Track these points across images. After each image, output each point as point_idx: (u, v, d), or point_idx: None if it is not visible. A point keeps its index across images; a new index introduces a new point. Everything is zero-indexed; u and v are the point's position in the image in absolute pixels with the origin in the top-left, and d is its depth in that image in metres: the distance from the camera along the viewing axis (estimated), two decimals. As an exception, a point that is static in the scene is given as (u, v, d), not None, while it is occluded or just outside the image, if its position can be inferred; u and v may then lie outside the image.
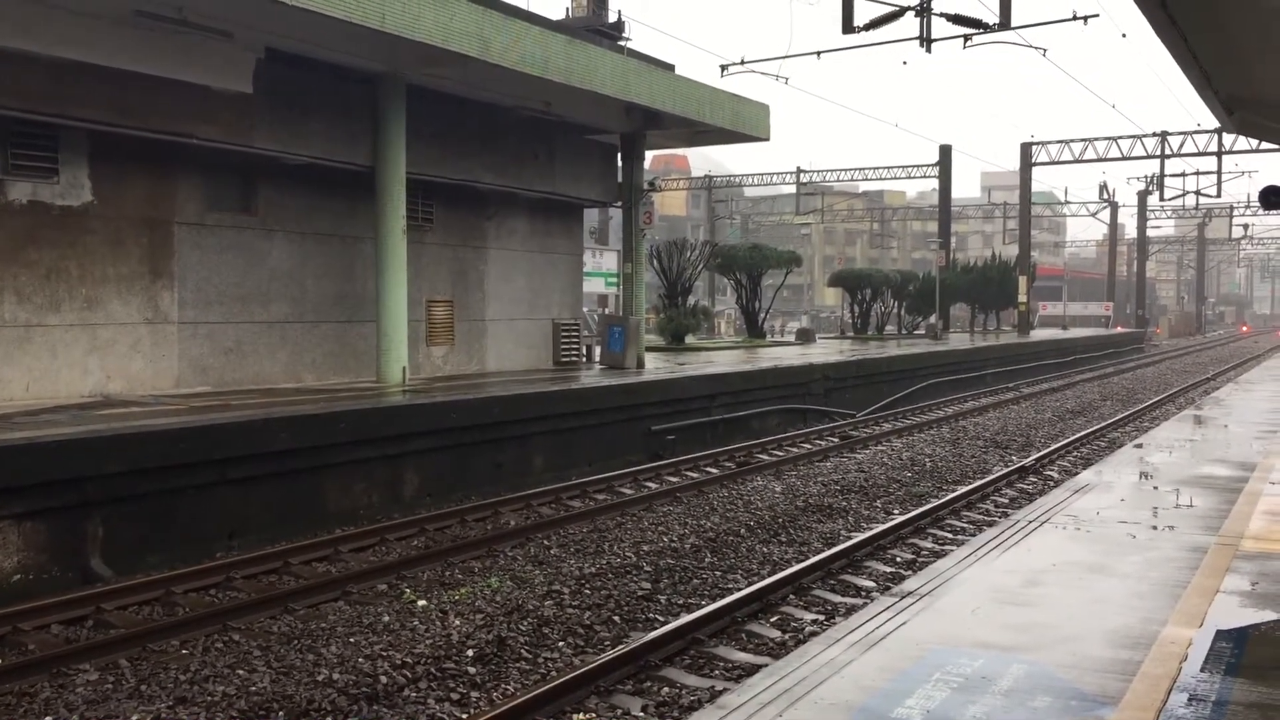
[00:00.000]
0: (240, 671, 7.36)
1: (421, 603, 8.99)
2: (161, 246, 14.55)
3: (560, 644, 7.96)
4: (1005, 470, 15.40)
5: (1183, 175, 49.63)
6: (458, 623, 8.36)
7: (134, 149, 13.85)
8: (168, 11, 12.50)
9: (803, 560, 10.20)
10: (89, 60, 12.53)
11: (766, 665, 6.65)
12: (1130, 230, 74.47)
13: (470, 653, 7.67)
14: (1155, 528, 8.48)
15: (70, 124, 12.98)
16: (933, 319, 42.54)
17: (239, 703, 6.78)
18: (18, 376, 13.00)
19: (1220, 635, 5.71)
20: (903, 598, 6.46)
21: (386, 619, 8.52)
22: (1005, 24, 20.80)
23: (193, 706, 6.75)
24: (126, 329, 14.15)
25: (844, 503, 13.37)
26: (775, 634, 8.18)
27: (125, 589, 9.11)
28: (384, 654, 7.63)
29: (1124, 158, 45.61)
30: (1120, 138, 45.35)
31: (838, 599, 9.16)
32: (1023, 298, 48.20)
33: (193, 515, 10.81)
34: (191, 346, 14.94)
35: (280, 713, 6.66)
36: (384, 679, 7.15)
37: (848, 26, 19.94)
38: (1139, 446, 13.70)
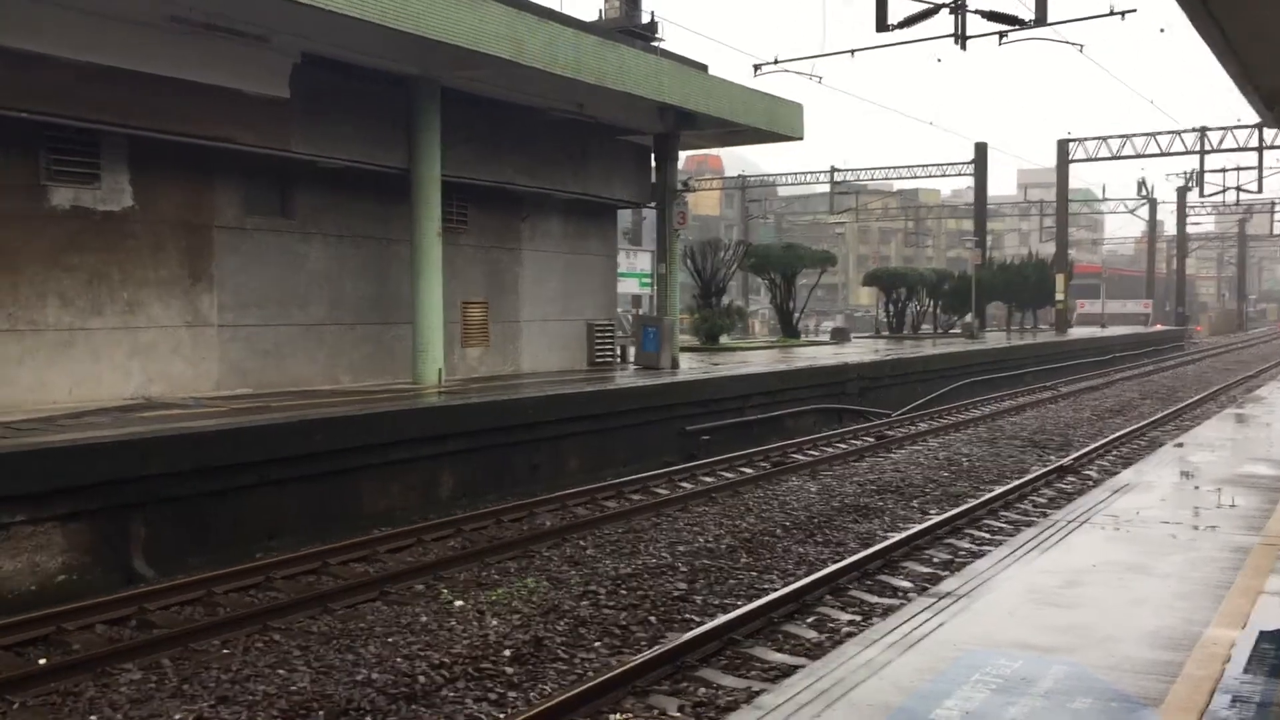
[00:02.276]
0: (280, 671, 7.44)
1: (459, 603, 9.04)
2: (201, 250, 14.71)
3: (597, 644, 7.98)
4: (1043, 470, 15.27)
5: (1223, 171, 49.05)
6: (494, 623, 8.40)
7: (173, 154, 14.02)
8: (205, 17, 12.65)
9: (839, 560, 10.16)
10: (128, 66, 12.70)
11: (804, 666, 6.64)
12: (1169, 227, 73.65)
13: (507, 653, 7.70)
14: (1197, 527, 8.39)
15: (110, 129, 13.16)
16: (968, 318, 42.24)
17: (279, 702, 6.85)
18: (61, 380, 13.19)
19: (1264, 636, 5.65)
20: (940, 598, 6.43)
21: (424, 619, 8.57)
22: (1041, 20, 20.64)
23: (234, 706, 6.83)
24: (167, 332, 14.32)
25: (880, 503, 13.31)
26: (812, 634, 8.16)
27: (167, 589, 9.22)
28: (422, 654, 7.68)
29: (1163, 154, 45.11)
30: (1159, 133, 44.87)
31: (875, 599, 9.12)
32: (1060, 296, 47.75)
33: (233, 516, 10.93)
34: (231, 349, 15.10)
35: (320, 712, 6.72)
36: (422, 679, 7.20)
37: (881, 25, 19.85)
38: (1180, 445, 13.55)
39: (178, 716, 6.69)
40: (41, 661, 7.68)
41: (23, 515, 9.21)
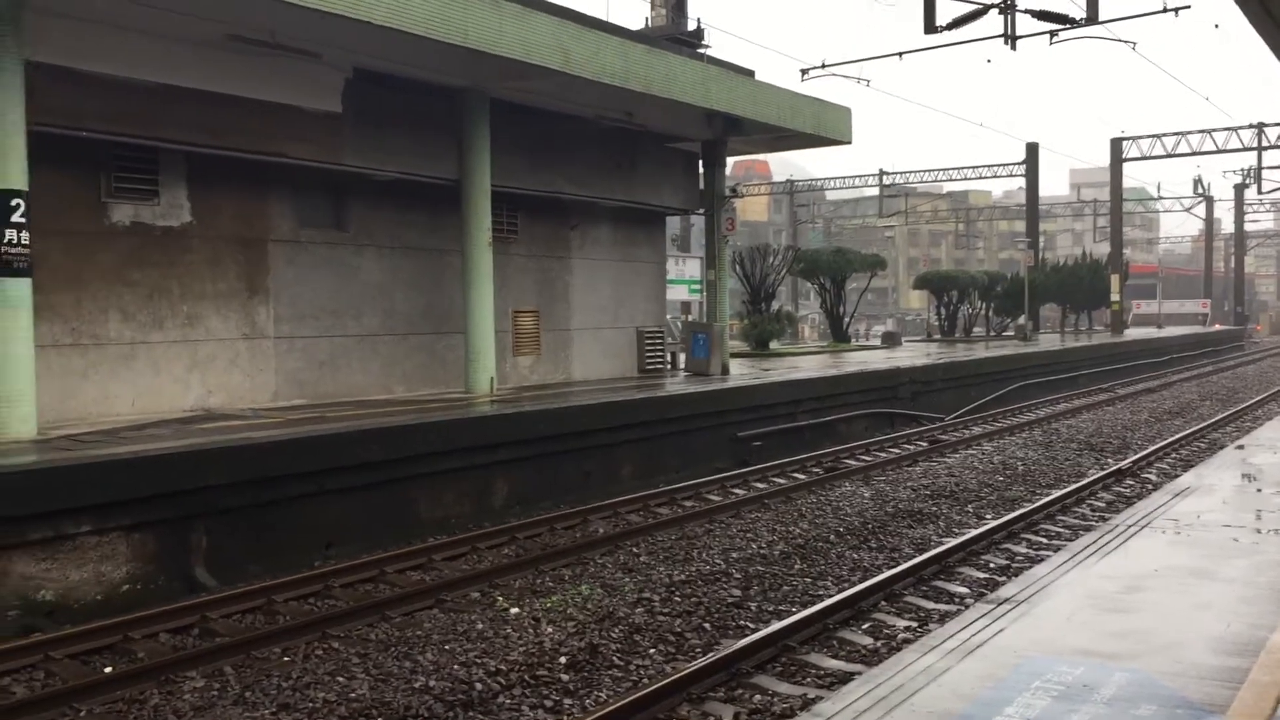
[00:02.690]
0: (340, 679, 7.53)
1: (514, 610, 9.10)
2: (257, 264, 14.95)
3: (651, 651, 8.00)
4: (1101, 473, 15.08)
5: (1282, 167, 48.10)
6: (550, 630, 8.45)
7: (229, 169, 14.26)
8: (260, 35, 12.86)
9: (894, 566, 10.10)
10: (186, 84, 12.96)
11: (860, 673, 6.61)
12: (1226, 225, 72.38)
13: (563, 660, 7.74)
14: (1260, 531, 8.25)
15: (169, 147, 13.42)
16: (1021, 320, 41.79)
17: (339, 709, 6.94)
18: (124, 392, 13.45)
19: (1332, 642, 5.54)
20: (999, 604, 6.38)
21: (480, 626, 8.64)
22: (1093, 18, 20.40)
23: (295, 713, 6.93)
24: (225, 344, 14.56)
25: (934, 508, 13.21)
26: (868, 641, 8.12)
27: (229, 598, 9.37)
28: (478, 661, 7.74)
29: (1219, 151, 44.36)
30: (1214, 130, 44.12)
31: (931, 605, 9.06)
32: (1115, 296, 47.08)
33: (291, 525, 11.08)
34: (287, 360, 15.31)
35: (379, 719, 6.80)
36: (479, 686, 7.26)
37: (929, 26, 19.73)
38: (1241, 448, 13.31)
39: (241, 723, 6.79)
40: (108, 669, 7.84)
41: (88, 526, 9.40)
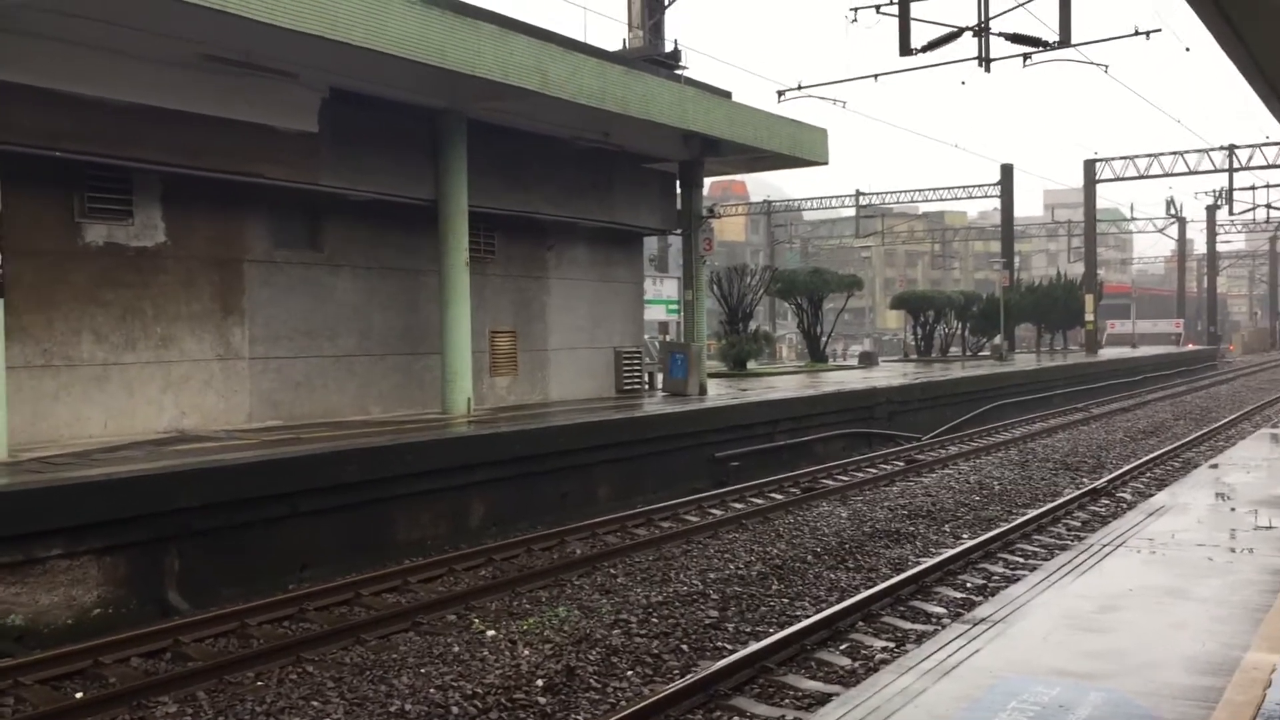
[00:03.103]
0: (314, 703, 7.46)
1: (490, 633, 9.04)
2: (232, 284, 14.87)
3: (629, 673, 7.96)
4: (1076, 493, 15.14)
5: (1252, 189, 48.64)
6: (527, 652, 8.40)
7: (204, 190, 14.20)
8: (235, 55, 12.83)
9: (871, 586, 10.10)
10: (161, 104, 12.90)
11: (837, 694, 6.60)
12: (1199, 246, 73.04)
13: (540, 683, 7.69)
14: (1234, 550, 8.29)
15: (144, 167, 13.36)
16: (997, 340, 42.03)
17: (314, 734, 6.87)
18: (96, 414, 13.33)
19: (1305, 661, 5.57)
20: (975, 624, 6.38)
21: (456, 649, 8.58)
22: (1065, 41, 20.57)
23: (269, 737, 6.85)
24: (200, 365, 14.46)
25: (911, 528, 13.23)
26: (845, 662, 8.10)
27: (201, 621, 9.28)
28: (454, 684, 7.69)
29: (1191, 172, 44.89)
30: (1186, 152, 44.66)
31: (908, 626, 9.06)
32: (1089, 316, 47.45)
33: (265, 548, 10.99)
34: (262, 381, 15.22)
35: (354, 743, 6.73)
36: (455, 710, 7.20)
37: (905, 49, 19.85)
38: (1214, 467, 13.40)
39: (213, 749, 6.71)
40: (78, 695, 7.73)
41: (59, 549, 9.30)
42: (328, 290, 16.14)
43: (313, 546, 11.43)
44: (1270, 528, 9.17)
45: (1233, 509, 10.14)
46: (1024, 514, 13.81)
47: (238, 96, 13.60)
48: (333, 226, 16.21)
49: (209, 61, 12.86)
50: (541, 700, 7.39)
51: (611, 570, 11.22)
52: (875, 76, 24.08)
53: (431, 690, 7.59)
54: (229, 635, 9.18)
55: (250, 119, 13.87)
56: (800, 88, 25.12)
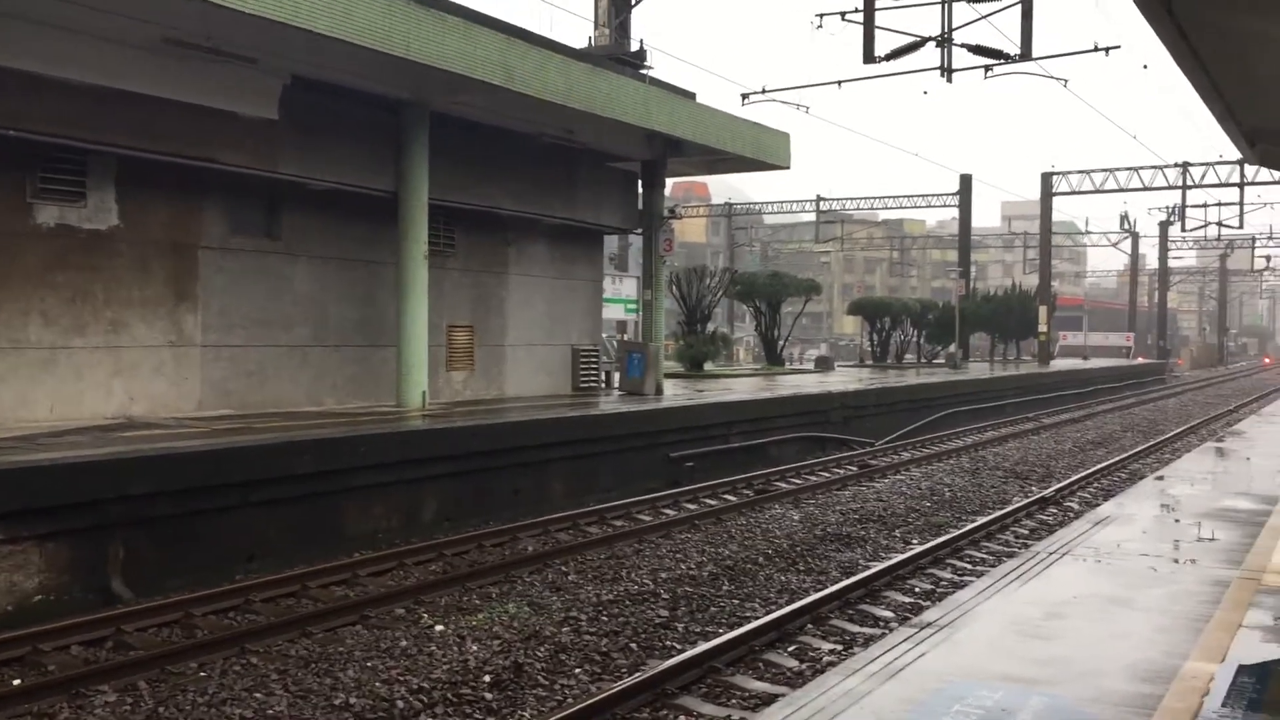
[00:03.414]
0: (258, 695, 7.38)
1: (439, 628, 9.00)
2: (186, 270, 14.68)
3: (577, 671, 7.95)
4: (1025, 501, 15.32)
5: (1204, 206, 49.46)
6: (475, 648, 8.36)
7: (160, 174, 14.01)
8: (196, 39, 12.66)
9: (821, 589, 10.15)
10: (118, 86, 12.71)
11: (784, 695, 6.62)
12: (1151, 261, 74.16)
13: (487, 678, 7.66)
14: (1177, 561, 8.42)
15: (99, 149, 13.15)
16: (952, 348, 42.42)
17: (257, 726, 6.79)
18: (43, 398, 13.11)
19: (1243, 670, 5.67)
20: (922, 628, 6.44)
21: (404, 644, 8.53)
22: (1026, 55, 20.80)
23: (211, 729, 6.77)
24: (150, 352, 14.26)
25: (862, 532, 13.32)
26: (793, 663, 8.14)
27: (145, 610, 9.15)
28: (401, 679, 7.64)
29: (1145, 188, 45.53)
30: (1142, 168, 45.30)
31: (856, 629, 9.12)
32: (1043, 327, 48.01)
33: (213, 537, 10.86)
34: (214, 369, 15.04)
35: (298, 736, 6.67)
36: (401, 704, 7.16)
37: (869, 57, 20.00)
38: (1160, 479, 13.61)
39: (153, 740, 6.62)
40: (16, 682, 7.59)
41: (0, 534, 9.13)
42: (284, 279, 15.97)
43: (261, 537, 11.32)
44: (1213, 540, 9.33)
45: (1177, 520, 10.30)
46: (973, 521, 13.95)
47: (197, 80, 13.42)
48: (291, 215, 16.04)
49: (169, 44, 12.68)
50: (488, 696, 7.36)
51: (563, 568, 11.20)
52: (839, 83, 24.24)
53: (377, 684, 7.53)
54: (173, 625, 9.06)
55: (210, 104, 13.68)
56: (764, 91, 25.22)
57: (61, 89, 12.28)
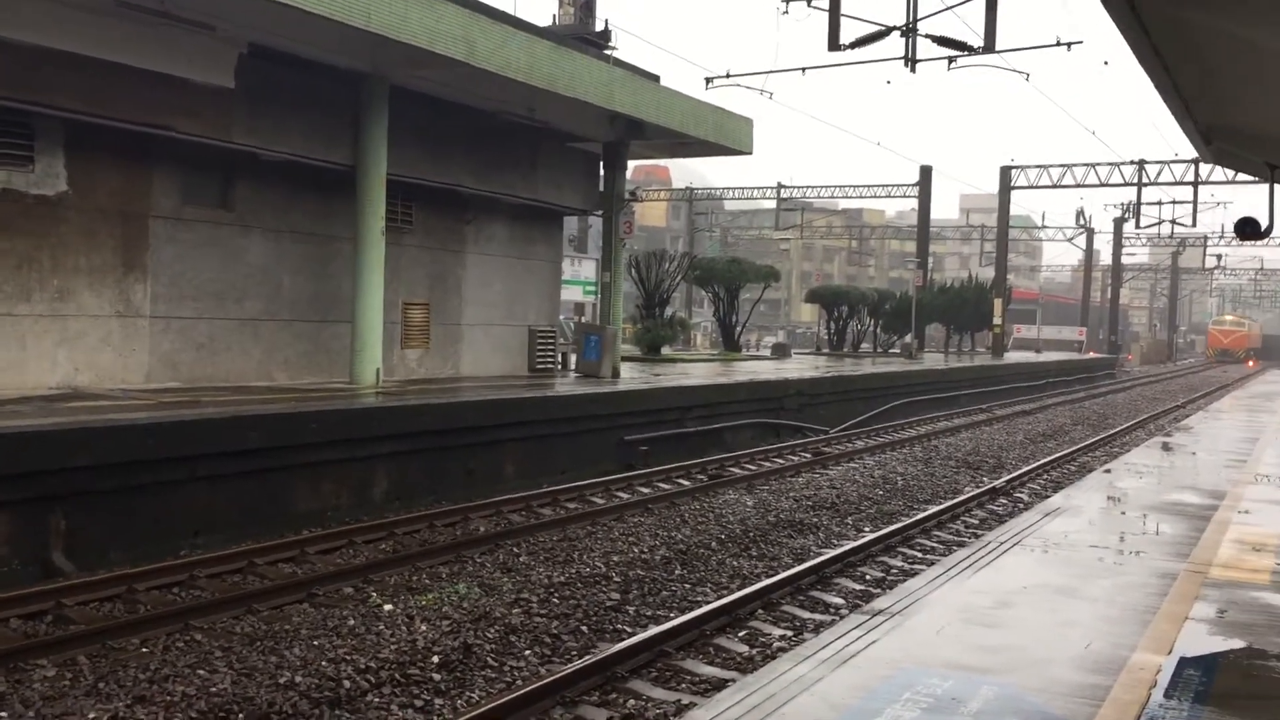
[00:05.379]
0: (201, 672, 7.25)
1: (388, 607, 8.90)
2: (136, 239, 14.39)
3: (527, 652, 7.89)
4: (976, 491, 15.43)
5: (1159, 204, 49.98)
6: (424, 628, 8.28)
7: (111, 140, 13.71)
8: (150, 2, 12.38)
9: (773, 575, 10.16)
10: (69, 49, 12.39)
11: (735, 680, 6.60)
12: (1105, 256, 74.99)
13: (435, 659, 7.58)
14: (1124, 553, 8.50)
15: (48, 112, 12.84)
16: (908, 338, 42.73)
17: (199, 703, 6.68)
18: (-16, 366, 12.82)
19: (1188, 662, 5.71)
20: (873, 615, 6.43)
21: (351, 623, 8.42)
22: (990, 47, 20.86)
23: (151, 706, 6.64)
24: (97, 321, 13.98)
25: (815, 519, 13.35)
26: (744, 649, 8.13)
27: (86, 585, 8.97)
28: (348, 658, 7.54)
29: (1102, 184, 45.98)
30: (1099, 164, 45.72)
31: (807, 615, 9.13)
32: (998, 320, 48.45)
33: (158, 512, 10.68)
34: (163, 341, 14.78)
35: (240, 715, 6.56)
36: (347, 683, 7.06)
37: (833, 44, 19.94)
38: (1109, 472, 13.75)
39: (92, 715, 6.49)
40: (-50, 656, 7.42)
41: (-63, 504, 8.92)
42: (237, 251, 15.71)
43: (208, 513, 11.14)
44: (1159, 533, 9.43)
45: (1124, 513, 10.41)
46: (925, 510, 14.03)
47: (151, 46, 13.12)
48: (245, 186, 15.77)
49: (122, 7, 12.39)
50: (436, 677, 7.28)
51: (514, 549, 11.13)
52: (803, 69, 24.22)
53: (324, 663, 7.43)
54: (115, 600, 8.90)
55: (164, 70, 13.38)
56: (729, 76, 25.15)
57: (8, 50, 11.95)
